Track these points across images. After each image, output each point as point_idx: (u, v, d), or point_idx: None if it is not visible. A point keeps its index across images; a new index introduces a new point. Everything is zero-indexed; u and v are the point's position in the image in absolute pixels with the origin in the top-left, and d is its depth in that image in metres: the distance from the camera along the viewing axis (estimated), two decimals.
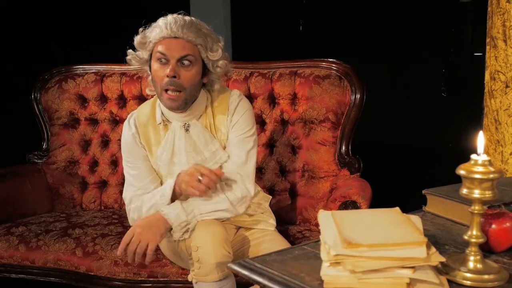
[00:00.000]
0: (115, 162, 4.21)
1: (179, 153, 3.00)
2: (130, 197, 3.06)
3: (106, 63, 4.36)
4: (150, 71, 2.96)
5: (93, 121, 4.29)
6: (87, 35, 5.45)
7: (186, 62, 2.86)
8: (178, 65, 2.85)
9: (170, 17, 2.89)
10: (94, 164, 4.26)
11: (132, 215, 3.05)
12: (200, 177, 2.77)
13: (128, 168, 3.10)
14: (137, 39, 2.94)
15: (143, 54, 2.96)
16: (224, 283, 2.74)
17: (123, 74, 4.23)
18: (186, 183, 2.80)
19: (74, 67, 4.37)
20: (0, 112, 4.72)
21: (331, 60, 3.80)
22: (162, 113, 3.05)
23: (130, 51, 3.01)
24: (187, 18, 2.91)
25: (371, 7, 6.46)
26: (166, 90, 2.86)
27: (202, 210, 2.85)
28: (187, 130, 3.00)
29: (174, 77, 2.84)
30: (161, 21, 2.89)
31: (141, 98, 4.11)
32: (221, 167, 3.02)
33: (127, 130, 3.10)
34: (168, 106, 2.91)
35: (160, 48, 2.86)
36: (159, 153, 3.04)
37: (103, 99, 4.27)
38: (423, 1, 6.19)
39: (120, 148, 4.06)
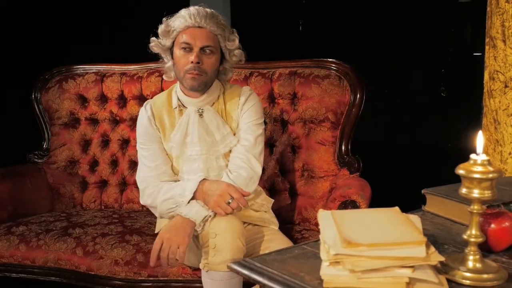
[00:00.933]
0: (115, 162, 4.23)
1: (192, 134, 3.12)
2: (143, 177, 3.17)
3: (106, 63, 4.38)
4: (172, 57, 3.13)
5: (93, 121, 4.30)
6: (88, 35, 5.46)
7: (208, 51, 3.05)
8: (201, 53, 3.02)
9: (192, 8, 3.06)
10: (94, 163, 4.28)
11: (146, 199, 3.15)
12: (230, 200, 2.87)
13: (142, 150, 3.22)
14: (161, 27, 3.09)
15: (166, 41, 3.12)
16: (234, 275, 2.77)
17: (123, 74, 4.25)
18: (215, 202, 2.87)
19: (75, 67, 4.39)
20: (1, 112, 4.72)
21: (330, 60, 3.82)
22: (178, 98, 3.19)
23: (153, 38, 3.16)
24: (208, 9, 3.09)
25: (371, 7, 6.46)
26: (189, 73, 3.01)
27: None
28: (200, 115, 3.14)
29: (198, 63, 3.00)
30: (184, 11, 3.06)
31: (141, 98, 4.13)
32: (230, 151, 3.16)
33: (143, 114, 3.24)
34: (190, 85, 3.05)
35: (184, 36, 3.03)
36: (172, 134, 3.16)
37: (103, 99, 4.28)
38: (422, 1, 6.19)
39: (120, 148, 4.13)
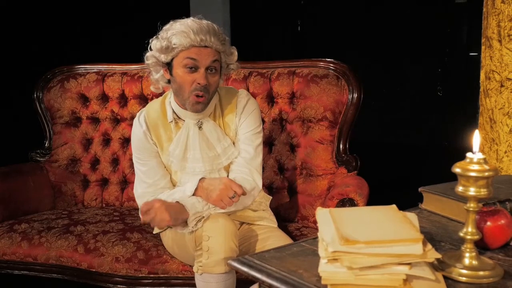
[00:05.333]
0: (116, 161, 4.25)
1: (193, 150, 3.06)
2: (141, 194, 3.14)
3: (107, 63, 4.39)
4: (171, 74, 2.99)
5: (95, 120, 4.32)
6: (89, 35, 5.47)
7: (213, 70, 2.95)
8: (207, 73, 2.92)
9: (193, 23, 2.92)
10: (95, 162, 4.30)
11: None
12: (233, 195, 2.85)
13: (139, 164, 3.16)
14: (160, 43, 2.94)
15: (164, 57, 2.96)
16: (228, 277, 2.79)
17: (124, 73, 4.26)
18: (217, 196, 2.87)
19: (76, 66, 4.40)
20: (3, 111, 4.73)
21: (328, 60, 3.83)
22: (173, 111, 3.11)
23: (151, 53, 3.02)
24: (209, 24, 2.95)
25: (368, 8, 6.46)
26: (196, 95, 2.93)
27: None
28: (200, 127, 3.07)
29: (206, 85, 2.91)
30: (182, 26, 2.90)
31: (142, 98, 4.16)
32: (231, 162, 3.11)
33: (138, 128, 3.15)
34: (195, 109, 2.97)
35: (190, 56, 2.90)
36: (171, 149, 3.10)
37: (104, 98, 4.30)
38: (419, 2, 6.20)
39: (121, 147, 4.13)
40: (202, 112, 3.04)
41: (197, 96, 2.92)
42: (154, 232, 3.28)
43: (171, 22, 2.98)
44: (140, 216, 2.91)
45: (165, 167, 3.16)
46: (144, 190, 3.13)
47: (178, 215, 2.84)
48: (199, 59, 2.90)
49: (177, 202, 2.89)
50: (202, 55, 2.90)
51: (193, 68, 2.91)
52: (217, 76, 2.98)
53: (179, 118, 3.12)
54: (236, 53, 3.10)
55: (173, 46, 2.90)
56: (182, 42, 2.88)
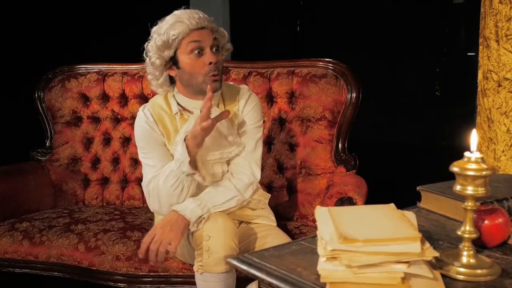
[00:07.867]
0: (117, 160, 4.26)
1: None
2: (151, 178, 3.01)
3: (108, 63, 4.38)
4: (178, 67, 2.96)
5: (95, 120, 4.32)
6: (90, 35, 5.48)
7: (216, 48, 2.95)
8: (212, 51, 2.92)
9: (181, 13, 2.93)
10: (96, 161, 4.30)
11: (152, 198, 3.01)
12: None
13: (145, 159, 3.07)
14: (160, 39, 2.92)
15: (168, 52, 2.94)
16: (228, 276, 2.79)
17: (124, 73, 4.27)
18: (193, 130, 2.80)
19: (77, 66, 4.40)
20: (5, 111, 4.74)
21: (327, 59, 3.84)
22: (178, 103, 3.07)
23: (153, 54, 2.97)
24: (194, 9, 2.96)
25: (366, 9, 6.48)
26: (212, 75, 2.91)
27: (214, 203, 2.89)
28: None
29: (216, 63, 2.91)
30: (175, 17, 2.91)
31: (142, 97, 4.17)
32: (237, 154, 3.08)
33: (143, 118, 3.08)
34: (215, 86, 2.91)
35: (193, 39, 2.89)
36: (178, 138, 2.99)
37: (105, 98, 4.30)
38: (417, 2, 6.22)
39: (121, 146, 4.14)
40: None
41: (214, 75, 2.90)
42: (171, 257, 3.26)
43: (158, 22, 2.98)
44: (140, 254, 2.88)
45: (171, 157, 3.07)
46: (154, 175, 3.01)
47: (181, 226, 2.82)
48: (202, 39, 2.90)
49: (174, 211, 2.86)
50: (203, 36, 2.90)
51: (200, 51, 2.90)
52: (220, 55, 2.99)
53: (185, 109, 3.08)
54: (227, 33, 3.10)
55: (173, 37, 2.89)
56: (180, 30, 2.88)
